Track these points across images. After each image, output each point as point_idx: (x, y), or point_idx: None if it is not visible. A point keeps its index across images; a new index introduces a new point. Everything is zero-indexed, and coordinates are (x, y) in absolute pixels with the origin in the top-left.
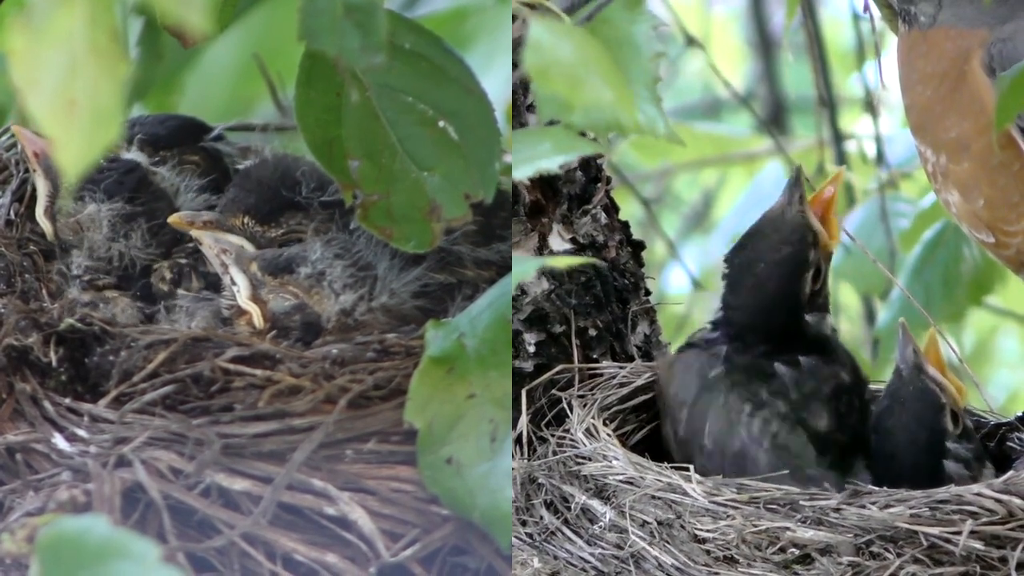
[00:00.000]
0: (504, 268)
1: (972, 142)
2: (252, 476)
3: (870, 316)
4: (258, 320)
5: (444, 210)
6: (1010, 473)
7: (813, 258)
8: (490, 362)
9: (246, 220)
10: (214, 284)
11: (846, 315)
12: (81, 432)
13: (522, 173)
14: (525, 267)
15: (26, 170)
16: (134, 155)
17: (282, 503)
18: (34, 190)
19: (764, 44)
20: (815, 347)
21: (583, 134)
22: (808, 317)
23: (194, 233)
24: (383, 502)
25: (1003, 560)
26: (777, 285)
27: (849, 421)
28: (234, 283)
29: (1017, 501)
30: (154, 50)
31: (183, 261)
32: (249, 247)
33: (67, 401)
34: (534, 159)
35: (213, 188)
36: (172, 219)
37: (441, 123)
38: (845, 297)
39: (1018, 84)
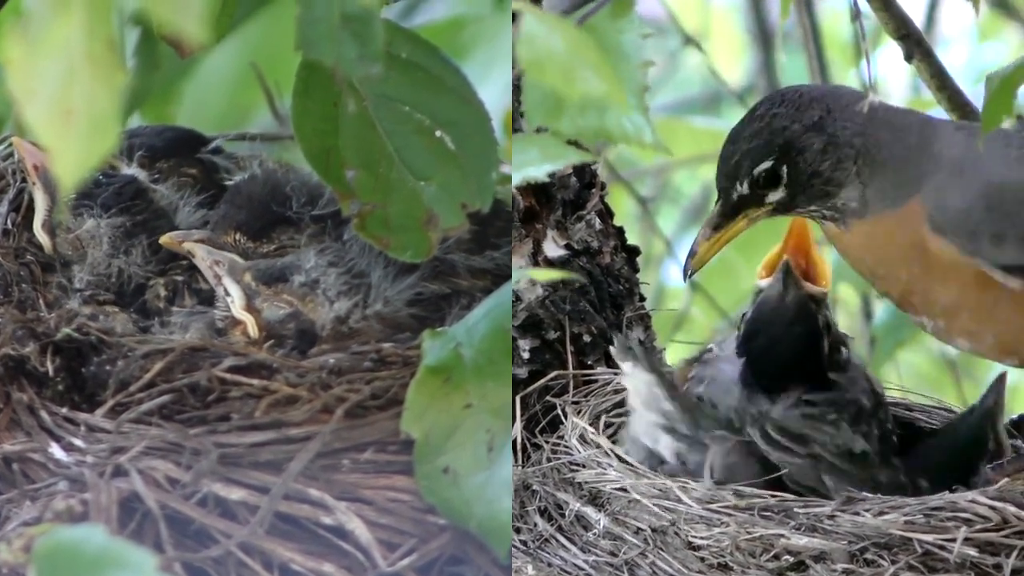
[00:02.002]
0: (499, 276)
1: (963, 299)
2: (249, 486)
3: (867, 314)
4: (253, 330)
5: (441, 220)
6: (1004, 480)
7: (823, 321)
8: (487, 372)
9: (237, 236)
10: (207, 300)
11: (845, 310)
12: (78, 442)
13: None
14: (516, 276)
15: (23, 180)
16: (133, 171)
17: (279, 513)
18: (31, 200)
19: (764, 36)
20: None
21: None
22: (831, 375)
23: (187, 246)
24: (380, 512)
25: (997, 567)
26: (800, 360)
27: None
28: (228, 294)
29: (1012, 508)
30: (151, 60)
31: (178, 278)
32: (241, 262)
33: (64, 411)
34: (522, 167)
35: (210, 204)
36: (164, 239)
37: (438, 133)
38: (844, 293)
39: (1004, 88)
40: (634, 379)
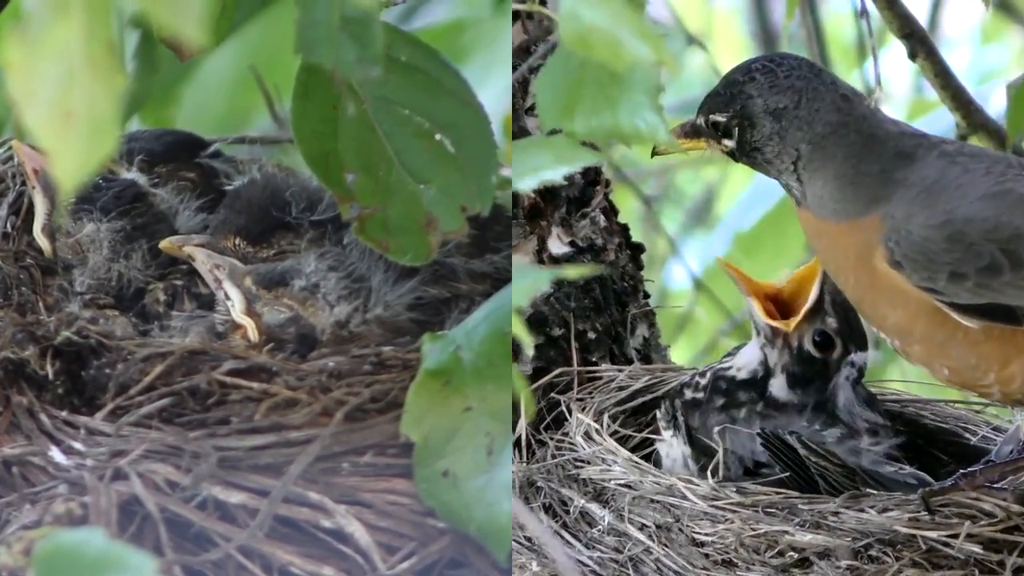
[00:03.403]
0: (499, 280)
1: (913, 328)
2: (248, 489)
3: None
4: (253, 334)
5: (441, 223)
6: (1010, 478)
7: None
8: (487, 375)
9: (237, 241)
10: (207, 304)
11: None
12: (77, 445)
13: (525, 184)
14: (525, 284)
15: (23, 183)
16: (133, 175)
17: (279, 516)
18: (31, 204)
19: (766, 37)
20: None
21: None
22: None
23: (187, 249)
24: (379, 515)
25: (1001, 564)
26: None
27: None
28: (228, 298)
29: (1015, 506)
30: (150, 63)
31: (178, 282)
32: (241, 266)
33: (63, 414)
34: (536, 170)
35: (210, 208)
36: (163, 244)
37: (437, 136)
38: None
39: None
40: (671, 447)
